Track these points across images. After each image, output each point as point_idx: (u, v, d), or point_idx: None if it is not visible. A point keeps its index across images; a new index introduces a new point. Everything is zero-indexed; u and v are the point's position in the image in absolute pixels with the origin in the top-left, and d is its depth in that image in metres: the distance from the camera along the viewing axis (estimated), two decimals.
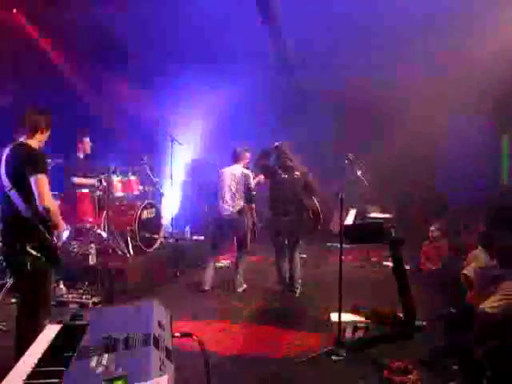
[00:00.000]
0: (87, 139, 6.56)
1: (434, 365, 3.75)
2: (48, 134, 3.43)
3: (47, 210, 3.09)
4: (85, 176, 6.45)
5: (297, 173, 5.86)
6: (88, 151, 6.63)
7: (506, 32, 6.89)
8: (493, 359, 3.27)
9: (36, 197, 3.09)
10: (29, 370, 1.54)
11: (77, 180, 6.36)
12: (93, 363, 1.50)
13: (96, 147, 6.73)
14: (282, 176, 5.87)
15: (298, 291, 5.91)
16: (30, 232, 3.14)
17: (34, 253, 3.11)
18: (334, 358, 3.94)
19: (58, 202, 6.11)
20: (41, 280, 3.23)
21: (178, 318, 4.58)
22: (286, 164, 5.87)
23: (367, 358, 3.94)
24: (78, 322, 1.97)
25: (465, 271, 4.93)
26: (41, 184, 3.10)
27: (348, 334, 4.39)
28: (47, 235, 3.17)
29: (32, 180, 3.10)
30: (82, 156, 6.61)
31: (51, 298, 3.36)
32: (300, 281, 5.95)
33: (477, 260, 4.93)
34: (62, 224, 3.33)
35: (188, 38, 8.08)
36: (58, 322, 1.99)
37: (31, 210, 3.14)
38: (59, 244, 3.30)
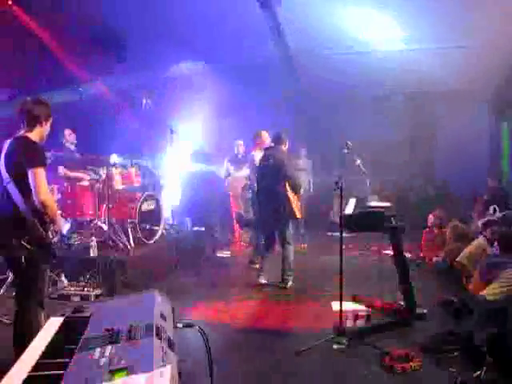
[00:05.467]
0: (67, 130, 6.54)
1: (435, 352, 3.77)
2: (48, 125, 3.38)
3: (44, 204, 3.06)
4: (79, 169, 6.45)
5: (270, 160, 5.80)
6: (73, 141, 6.62)
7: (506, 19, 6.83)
8: (493, 346, 3.29)
9: (33, 190, 3.05)
10: (33, 362, 1.55)
11: (69, 173, 6.35)
12: (96, 355, 1.52)
13: (95, 139, 6.72)
14: (262, 163, 5.91)
15: (289, 283, 5.80)
16: (25, 226, 3.10)
17: (28, 247, 3.08)
18: (335, 346, 3.96)
19: (59, 196, 6.12)
20: (35, 274, 3.21)
21: (179, 309, 4.62)
22: (267, 152, 5.91)
23: (368, 346, 3.96)
24: (80, 315, 1.98)
25: (459, 259, 4.95)
26: (38, 177, 3.06)
27: (349, 322, 4.41)
28: (42, 230, 3.12)
29: (30, 173, 3.06)
30: (72, 147, 6.60)
31: (45, 292, 3.33)
32: (291, 272, 5.82)
33: (478, 248, 4.96)
34: (60, 220, 3.31)
35: (187, 32, 8.03)
36: (61, 315, 2.00)
37: (28, 205, 3.10)
38: (55, 239, 3.26)
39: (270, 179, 5.75)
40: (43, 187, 3.08)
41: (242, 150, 8.31)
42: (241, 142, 8.32)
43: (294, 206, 5.72)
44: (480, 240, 5.15)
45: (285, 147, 5.98)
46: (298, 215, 5.87)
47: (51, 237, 3.21)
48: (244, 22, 7.45)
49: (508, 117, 9.52)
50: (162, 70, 8.48)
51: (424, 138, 9.05)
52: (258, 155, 6.39)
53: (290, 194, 5.69)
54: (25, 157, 3.11)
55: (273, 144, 6.08)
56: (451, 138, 8.92)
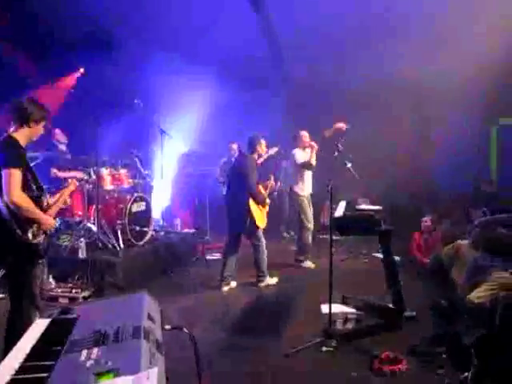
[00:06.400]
0: (57, 130, 6.50)
1: (424, 354, 3.79)
2: (39, 128, 3.32)
3: (16, 206, 3.01)
4: (71, 169, 6.40)
5: (237, 165, 6.00)
6: (64, 140, 6.58)
7: (493, 23, 6.91)
8: (480, 348, 3.31)
9: (3, 191, 3.01)
10: (17, 364, 1.53)
11: (61, 174, 6.30)
12: (82, 357, 1.50)
13: (84, 139, 6.67)
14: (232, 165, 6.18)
15: (263, 284, 5.90)
16: (5, 229, 3.06)
17: (11, 250, 3.06)
18: (324, 348, 3.97)
19: (48, 196, 6.05)
20: (22, 276, 3.18)
21: (168, 311, 4.60)
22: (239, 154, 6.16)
23: (357, 349, 3.98)
24: (67, 316, 1.96)
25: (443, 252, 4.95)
26: (9, 179, 2.99)
27: (338, 324, 4.42)
28: (20, 231, 3.07)
29: (3, 173, 3.01)
30: (63, 148, 6.55)
31: (37, 293, 3.29)
32: (264, 271, 5.92)
33: (463, 248, 4.99)
34: (46, 219, 3.23)
35: (177, 28, 8.02)
36: (48, 317, 1.98)
37: (4, 205, 3.05)
38: (40, 239, 3.21)
39: (235, 186, 5.88)
40: (14, 189, 3.01)
41: (235, 153, 8.38)
42: (235, 146, 8.44)
43: (255, 214, 5.76)
44: (466, 242, 5.17)
45: (256, 153, 6.03)
46: (260, 224, 5.89)
47: (31, 237, 3.13)
48: (234, 21, 7.49)
49: (497, 122, 9.67)
50: (152, 69, 8.44)
51: (415, 141, 9.08)
52: (298, 153, 6.85)
53: (252, 204, 5.75)
54: (1, 156, 3.08)
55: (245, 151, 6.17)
56: (441, 142, 8.99)
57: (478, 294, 3.77)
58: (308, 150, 6.87)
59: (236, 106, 9.27)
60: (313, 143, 6.82)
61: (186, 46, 8.37)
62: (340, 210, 4.47)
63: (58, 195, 3.59)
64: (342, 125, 6.72)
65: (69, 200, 3.81)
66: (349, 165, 6.77)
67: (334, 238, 4.31)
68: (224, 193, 6.47)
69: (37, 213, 3.16)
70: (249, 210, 5.70)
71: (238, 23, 7.74)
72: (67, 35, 8.03)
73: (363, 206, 4.91)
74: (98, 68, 8.29)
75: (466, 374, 3.27)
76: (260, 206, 5.89)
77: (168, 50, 8.31)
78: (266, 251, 5.93)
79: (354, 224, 4.30)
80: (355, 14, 7.65)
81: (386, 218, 4.41)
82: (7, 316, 3.22)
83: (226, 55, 8.43)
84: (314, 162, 6.80)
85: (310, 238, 6.92)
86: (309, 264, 6.82)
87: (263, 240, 5.94)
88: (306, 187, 6.94)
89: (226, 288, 5.83)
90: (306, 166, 6.82)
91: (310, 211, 6.92)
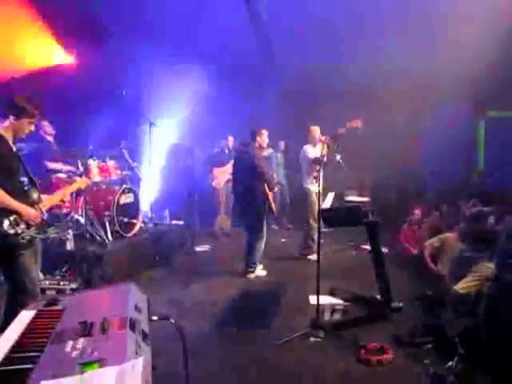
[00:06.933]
0: (45, 122, 6.43)
1: (410, 344, 3.85)
2: (23, 124, 3.31)
3: None
4: (58, 161, 6.34)
5: (245, 155, 5.99)
6: (51, 132, 6.51)
7: (483, 16, 6.94)
8: (464, 338, 3.37)
9: None
10: (2, 355, 1.52)
11: (51, 165, 6.24)
12: (68, 348, 1.49)
13: (72, 130, 6.60)
14: (237, 160, 6.19)
15: (253, 275, 5.96)
16: None
17: None
18: (311, 339, 4.01)
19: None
20: (12, 267, 3.20)
21: (156, 302, 4.60)
22: (243, 149, 6.13)
23: (345, 339, 4.02)
24: (53, 308, 1.95)
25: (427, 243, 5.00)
26: None
27: (326, 315, 4.45)
28: None
29: None
30: (50, 139, 6.48)
31: (25, 281, 3.29)
32: (256, 262, 5.99)
33: (450, 240, 5.05)
34: (25, 209, 3.23)
35: (166, 20, 7.94)
36: (34, 308, 1.96)
37: None
38: (11, 231, 3.16)
39: (243, 175, 5.94)
40: None
41: (230, 146, 8.66)
42: (231, 138, 8.68)
43: (270, 199, 5.91)
44: (453, 235, 5.23)
45: (257, 144, 6.09)
46: (274, 208, 6.07)
47: (7, 228, 3.12)
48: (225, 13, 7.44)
49: (485, 115, 9.77)
50: (142, 60, 8.36)
51: (404, 133, 9.11)
52: (309, 149, 6.84)
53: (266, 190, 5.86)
54: None
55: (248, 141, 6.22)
56: (431, 135, 9.04)
57: (463, 285, 3.83)
58: (319, 146, 6.66)
59: (226, 98, 9.23)
60: (324, 138, 6.68)
61: (176, 37, 8.28)
62: (328, 202, 4.49)
63: (60, 191, 3.62)
64: (357, 122, 6.66)
65: (68, 196, 3.80)
66: (338, 157, 6.79)
67: (323, 229, 4.32)
68: (231, 188, 6.52)
69: (11, 203, 3.14)
70: (266, 196, 5.83)
71: (229, 15, 7.69)
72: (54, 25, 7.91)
73: (351, 198, 4.94)
74: (87, 58, 8.21)
75: (451, 363, 3.33)
76: (270, 191, 5.99)
77: (158, 42, 8.23)
78: (264, 242, 6.02)
79: (342, 216, 4.31)
80: (346, 9, 7.62)
81: (373, 209, 4.43)
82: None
83: (217, 47, 8.38)
84: (325, 157, 6.68)
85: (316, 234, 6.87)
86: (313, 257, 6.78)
87: (265, 229, 6.03)
88: (317, 184, 6.81)
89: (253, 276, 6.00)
90: (317, 161, 6.69)
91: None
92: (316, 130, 6.89)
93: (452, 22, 7.16)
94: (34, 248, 3.36)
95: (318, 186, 6.69)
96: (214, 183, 8.40)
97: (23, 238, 3.22)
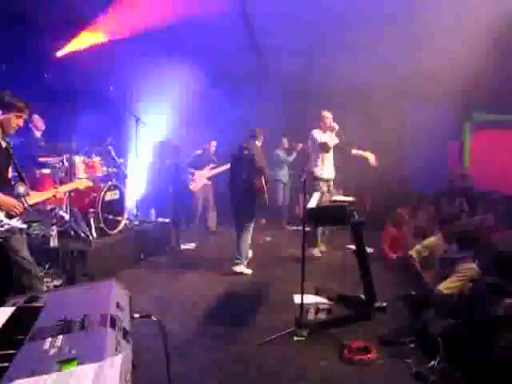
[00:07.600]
0: (36, 116, 6.36)
1: (393, 344, 3.87)
2: (7, 120, 3.32)
3: None
4: (44, 156, 6.26)
5: (245, 152, 6.02)
6: (41, 127, 6.44)
7: (469, 19, 7.00)
8: (447, 338, 3.40)
9: None
10: None
11: (40, 159, 6.18)
12: (46, 345, 1.47)
13: (57, 126, 6.51)
14: (237, 156, 6.19)
15: (237, 268, 5.99)
16: None
17: None
18: (295, 338, 4.01)
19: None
20: (3, 255, 3.27)
21: (140, 300, 4.57)
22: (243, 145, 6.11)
23: (328, 338, 4.03)
24: (33, 304, 1.91)
25: (411, 252, 5.05)
26: None
27: (310, 314, 4.46)
28: None
29: None
30: (39, 135, 6.40)
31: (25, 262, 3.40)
32: (242, 255, 6.02)
33: (435, 244, 5.08)
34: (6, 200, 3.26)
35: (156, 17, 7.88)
36: (13, 305, 1.93)
37: None
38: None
39: (242, 170, 6.00)
40: None
41: (212, 151, 8.72)
42: (214, 143, 8.76)
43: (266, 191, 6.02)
44: (437, 237, 5.27)
45: (259, 142, 6.22)
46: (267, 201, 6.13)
47: None
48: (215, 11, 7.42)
49: (470, 117, 9.87)
50: (130, 57, 8.29)
51: (388, 135, 9.16)
52: (317, 134, 6.70)
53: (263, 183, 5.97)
54: None
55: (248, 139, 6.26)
56: (415, 137, 9.09)
57: (448, 285, 3.87)
58: (329, 133, 6.64)
59: (215, 97, 9.22)
60: (334, 124, 6.57)
61: (165, 36, 8.23)
62: (313, 202, 4.49)
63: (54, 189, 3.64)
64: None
65: (61, 194, 3.83)
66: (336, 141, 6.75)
67: (308, 229, 4.32)
68: (228, 182, 6.50)
69: None
70: (263, 189, 5.92)
71: (220, 14, 7.65)
72: (41, 19, 7.80)
73: (337, 197, 4.94)
74: (73, 53, 8.13)
75: (433, 362, 3.36)
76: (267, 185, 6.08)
77: (147, 39, 8.17)
78: (250, 234, 6.09)
79: (327, 215, 4.31)
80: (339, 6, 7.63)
81: (358, 210, 4.44)
82: None
83: (207, 46, 8.36)
84: (331, 143, 6.63)
85: (320, 230, 6.89)
86: (316, 252, 6.79)
87: (253, 224, 6.11)
88: (325, 171, 6.76)
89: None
90: (324, 147, 6.64)
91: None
92: (328, 117, 6.67)
93: (439, 26, 7.21)
94: (17, 236, 3.42)
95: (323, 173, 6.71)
96: (191, 186, 8.45)
97: (2, 226, 3.28)
